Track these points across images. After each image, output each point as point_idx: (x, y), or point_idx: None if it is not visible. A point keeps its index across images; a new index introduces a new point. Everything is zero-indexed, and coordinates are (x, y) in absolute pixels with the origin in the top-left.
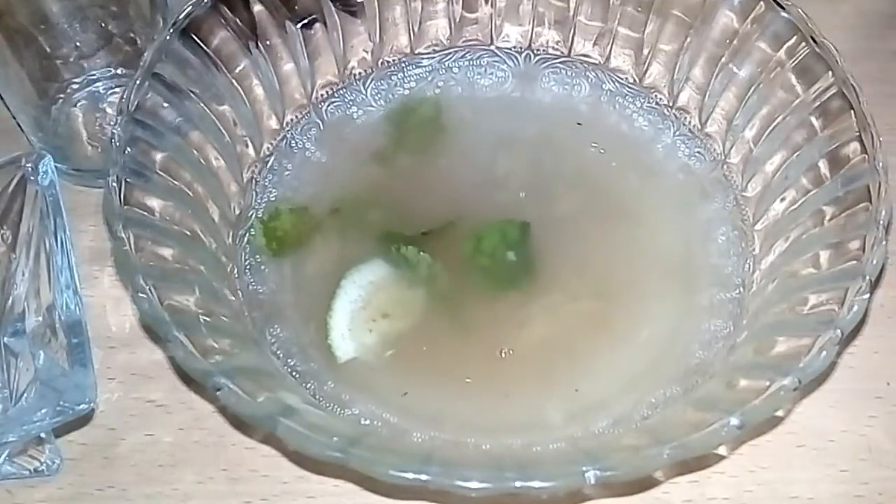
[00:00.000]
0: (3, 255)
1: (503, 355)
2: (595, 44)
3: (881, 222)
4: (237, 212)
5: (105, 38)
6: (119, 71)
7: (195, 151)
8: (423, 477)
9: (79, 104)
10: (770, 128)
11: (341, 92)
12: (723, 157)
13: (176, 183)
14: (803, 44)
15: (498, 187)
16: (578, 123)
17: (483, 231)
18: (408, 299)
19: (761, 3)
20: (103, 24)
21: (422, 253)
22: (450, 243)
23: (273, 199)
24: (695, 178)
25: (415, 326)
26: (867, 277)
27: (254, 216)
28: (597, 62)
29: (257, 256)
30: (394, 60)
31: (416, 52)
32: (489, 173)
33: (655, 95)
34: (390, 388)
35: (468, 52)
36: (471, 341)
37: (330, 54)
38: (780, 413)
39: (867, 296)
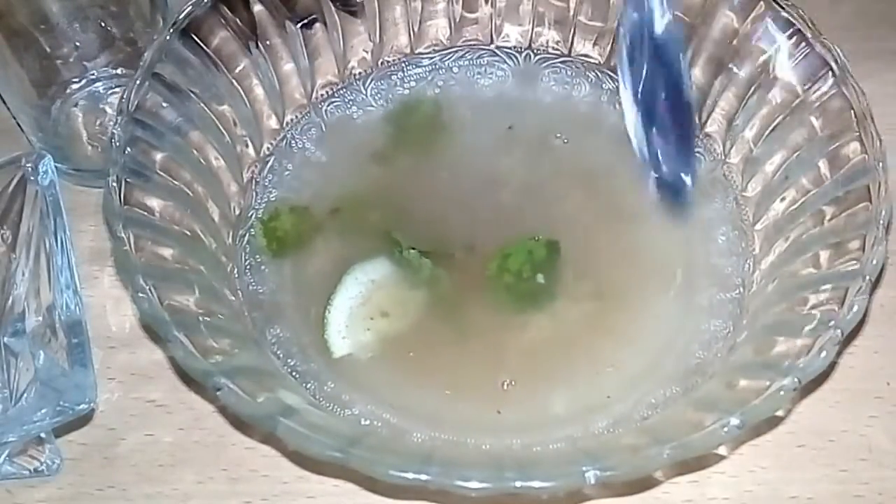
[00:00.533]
0: (3, 255)
1: (505, 387)
2: (595, 44)
3: (881, 222)
4: (237, 212)
5: (105, 38)
6: (119, 71)
7: (195, 151)
8: (423, 477)
9: (79, 104)
10: (770, 128)
11: (341, 92)
12: (723, 157)
13: (176, 183)
14: (803, 44)
15: (498, 188)
16: (509, 127)
17: (510, 249)
18: (409, 300)
19: (761, 3)
20: (103, 24)
21: (424, 259)
22: (464, 263)
23: (273, 199)
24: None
25: (413, 328)
26: (867, 277)
27: (254, 216)
28: (597, 62)
29: (257, 256)
30: (394, 60)
31: (416, 51)
32: (489, 173)
33: None
34: (390, 388)
35: (468, 52)
36: (469, 346)
37: (330, 54)
38: (780, 413)
39: (867, 296)
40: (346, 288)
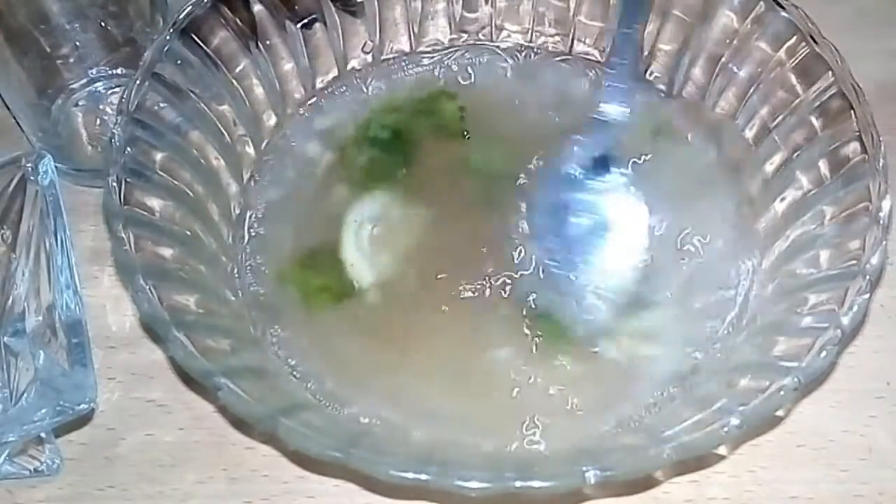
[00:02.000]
0: (3, 255)
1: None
2: (595, 44)
3: (881, 222)
4: (237, 212)
5: (105, 38)
6: (119, 71)
7: (195, 151)
8: (423, 477)
9: (79, 104)
10: (770, 128)
11: (342, 92)
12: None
13: (176, 183)
14: (803, 44)
15: (498, 187)
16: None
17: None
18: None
19: (761, 3)
20: (103, 24)
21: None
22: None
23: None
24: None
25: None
26: (867, 277)
27: (252, 216)
28: (597, 62)
29: (257, 256)
30: (394, 60)
31: (417, 51)
32: (488, 173)
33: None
34: (390, 386)
35: (468, 52)
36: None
37: (330, 54)
38: (780, 413)
39: (867, 296)
40: (350, 226)
